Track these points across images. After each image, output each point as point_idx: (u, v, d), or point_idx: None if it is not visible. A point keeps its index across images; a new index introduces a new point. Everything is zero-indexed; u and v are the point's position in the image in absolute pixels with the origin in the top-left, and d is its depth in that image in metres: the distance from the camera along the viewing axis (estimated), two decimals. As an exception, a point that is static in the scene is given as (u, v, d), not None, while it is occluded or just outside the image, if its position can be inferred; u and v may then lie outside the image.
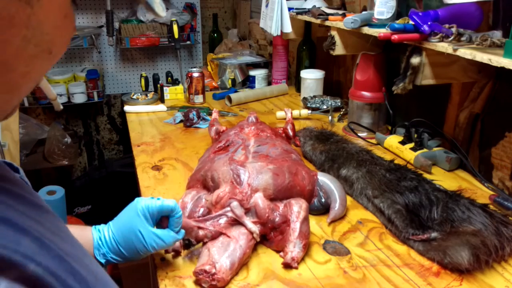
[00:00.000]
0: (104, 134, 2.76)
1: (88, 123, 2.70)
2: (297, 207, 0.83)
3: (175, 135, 1.45)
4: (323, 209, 0.95)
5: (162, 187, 1.09)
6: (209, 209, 0.85)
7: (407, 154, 1.20)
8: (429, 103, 1.30)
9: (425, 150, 1.18)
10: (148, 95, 1.84)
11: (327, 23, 1.41)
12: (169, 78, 1.97)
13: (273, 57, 1.99)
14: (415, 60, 1.03)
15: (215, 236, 0.79)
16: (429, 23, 0.95)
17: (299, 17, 1.60)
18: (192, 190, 0.92)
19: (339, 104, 1.64)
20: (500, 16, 0.97)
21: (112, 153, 2.81)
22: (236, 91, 1.87)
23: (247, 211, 0.82)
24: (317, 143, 1.22)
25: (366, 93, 1.38)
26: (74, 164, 2.62)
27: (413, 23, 0.99)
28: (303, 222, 0.81)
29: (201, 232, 0.78)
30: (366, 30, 1.20)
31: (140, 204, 0.72)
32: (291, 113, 1.41)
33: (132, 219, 0.71)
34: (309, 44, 1.85)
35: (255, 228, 0.80)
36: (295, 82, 1.96)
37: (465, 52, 0.87)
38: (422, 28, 0.95)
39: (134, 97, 1.83)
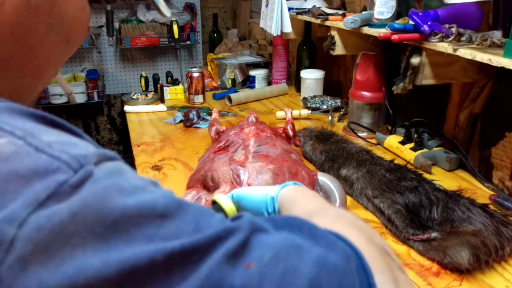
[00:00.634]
0: (104, 134, 2.76)
1: (88, 123, 2.70)
2: (297, 207, 0.83)
3: (175, 135, 1.45)
4: (323, 209, 0.95)
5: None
6: (209, 209, 0.85)
7: (407, 154, 1.20)
8: (429, 103, 1.30)
9: (425, 150, 1.18)
10: (148, 95, 1.84)
11: (327, 23, 1.41)
12: (169, 78, 1.97)
13: (273, 57, 1.99)
14: (415, 60, 1.03)
15: None
16: (429, 23, 0.95)
17: (299, 17, 1.60)
18: (192, 190, 0.92)
19: (339, 104, 1.64)
20: (500, 16, 0.97)
21: (112, 153, 2.81)
22: (236, 91, 1.87)
23: (247, 211, 0.82)
24: (317, 143, 1.22)
25: (366, 93, 1.38)
26: (74, 164, 2.62)
27: (413, 23, 0.99)
28: (303, 222, 0.81)
29: None
30: (366, 30, 1.20)
31: None
32: (291, 113, 1.41)
33: None
34: (309, 44, 1.85)
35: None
36: (295, 82, 1.96)
37: (465, 52, 0.87)
38: (422, 28, 0.95)
39: (134, 97, 1.83)
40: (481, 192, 1.05)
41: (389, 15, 1.17)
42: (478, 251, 0.75)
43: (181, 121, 1.56)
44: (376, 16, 1.19)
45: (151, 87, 1.98)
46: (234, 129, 1.14)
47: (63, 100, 2.34)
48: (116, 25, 2.41)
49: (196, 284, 0.28)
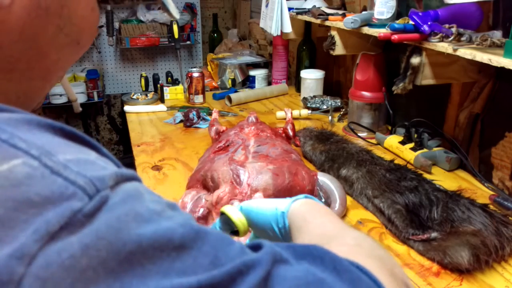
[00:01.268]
0: (104, 134, 2.76)
1: (88, 123, 2.70)
2: (297, 207, 0.83)
3: (175, 135, 1.45)
4: (323, 209, 0.95)
5: (162, 187, 1.09)
6: (209, 209, 0.85)
7: (407, 154, 1.20)
8: (429, 103, 1.30)
9: (425, 150, 1.18)
10: (148, 95, 1.84)
11: (327, 23, 1.41)
12: (169, 78, 1.97)
13: (273, 57, 1.99)
14: (415, 60, 1.03)
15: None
16: (429, 23, 0.95)
17: (299, 17, 1.60)
18: (192, 190, 0.92)
19: (339, 104, 1.64)
20: (500, 16, 0.97)
21: (112, 153, 2.80)
22: (236, 91, 1.87)
23: (247, 211, 0.82)
24: (317, 143, 1.22)
25: (366, 93, 1.38)
26: (74, 164, 2.62)
27: (413, 23, 0.99)
28: (303, 222, 0.81)
29: None
30: (366, 30, 1.20)
31: None
32: (291, 113, 1.41)
33: None
34: (309, 44, 1.85)
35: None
36: (295, 82, 1.96)
37: (465, 52, 0.87)
38: (422, 28, 0.95)
39: (134, 97, 1.83)
40: (481, 192, 1.05)
41: (389, 15, 1.17)
42: (478, 251, 0.75)
43: (181, 121, 1.56)
44: (376, 16, 1.19)
45: (151, 87, 1.98)
46: (234, 129, 1.14)
47: (63, 100, 2.34)
48: (116, 25, 2.41)
49: None
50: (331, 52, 1.43)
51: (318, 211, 0.53)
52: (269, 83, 2.03)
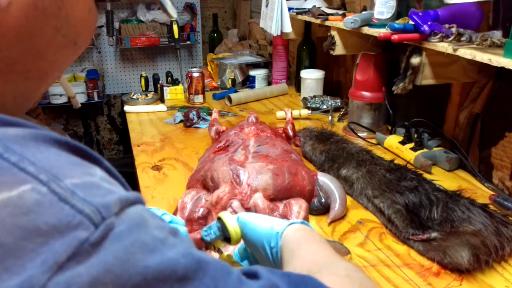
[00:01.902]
0: (104, 134, 2.76)
1: (88, 123, 2.70)
2: (297, 207, 0.83)
3: (175, 135, 1.45)
4: (323, 209, 0.95)
5: (162, 187, 1.09)
6: (209, 209, 0.85)
7: (407, 154, 1.20)
8: (429, 103, 1.30)
9: (425, 150, 1.18)
10: (148, 95, 1.84)
11: (327, 23, 1.41)
12: (169, 78, 1.97)
13: (273, 57, 1.99)
14: (415, 60, 1.03)
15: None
16: (429, 23, 0.95)
17: (299, 17, 1.60)
18: (192, 190, 0.92)
19: (339, 104, 1.64)
20: (500, 16, 0.97)
21: (112, 153, 2.81)
22: (236, 91, 1.87)
23: (247, 211, 0.82)
24: (317, 143, 1.22)
25: (366, 93, 1.38)
26: (74, 164, 2.62)
27: (413, 23, 0.99)
28: (303, 222, 0.81)
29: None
30: (366, 30, 1.20)
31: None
32: (291, 113, 1.41)
33: None
34: (309, 44, 1.85)
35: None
36: (295, 82, 1.96)
37: (465, 52, 0.87)
38: (422, 28, 0.95)
39: (134, 97, 1.83)
40: (481, 192, 1.05)
41: (389, 15, 1.17)
42: (478, 251, 0.75)
43: (181, 121, 1.56)
44: (376, 16, 1.19)
45: (151, 87, 1.98)
46: (234, 129, 1.14)
47: (63, 100, 2.34)
48: (116, 25, 2.41)
49: None
50: (331, 52, 1.43)
51: (312, 238, 0.54)
52: (269, 83, 2.03)
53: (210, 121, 1.34)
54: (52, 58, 0.36)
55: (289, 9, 1.64)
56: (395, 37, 1.01)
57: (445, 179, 1.10)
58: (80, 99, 2.38)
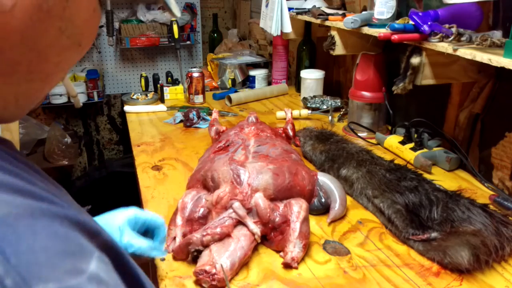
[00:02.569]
0: (104, 134, 2.76)
1: (88, 123, 2.70)
2: (297, 207, 0.83)
3: (175, 135, 1.45)
4: (323, 209, 0.95)
5: (162, 187, 1.09)
6: (209, 209, 0.85)
7: (407, 154, 1.20)
8: (429, 103, 1.30)
9: (425, 150, 1.18)
10: (148, 95, 1.84)
11: (327, 23, 1.41)
12: (169, 78, 1.97)
13: (273, 57, 1.99)
14: (415, 60, 1.03)
15: (222, 237, 0.78)
16: (429, 23, 0.95)
17: (299, 17, 1.60)
18: (192, 190, 0.92)
19: (339, 104, 1.64)
20: (500, 16, 0.97)
21: (112, 153, 2.81)
22: (236, 91, 1.87)
23: (248, 211, 0.82)
24: (317, 143, 1.22)
25: (366, 93, 1.38)
26: (74, 164, 2.62)
27: (413, 23, 0.99)
28: (303, 222, 0.81)
29: (206, 239, 0.77)
30: (366, 30, 1.20)
31: (130, 210, 0.71)
32: (291, 113, 1.41)
33: (113, 219, 0.70)
34: (309, 44, 1.85)
35: (257, 229, 0.80)
36: (295, 82, 1.96)
37: (465, 52, 0.87)
38: (422, 28, 0.95)
39: (134, 97, 1.83)
40: (481, 192, 1.05)
41: (389, 15, 1.17)
42: (478, 251, 0.75)
43: (181, 121, 1.56)
44: (376, 16, 1.19)
45: (151, 87, 1.98)
46: (234, 129, 1.14)
47: (63, 100, 2.34)
48: (116, 25, 2.41)
49: None
50: (331, 52, 1.43)
51: None
52: (269, 83, 2.03)
53: (210, 121, 1.34)
54: (56, 59, 0.36)
55: (289, 9, 1.64)
56: (395, 37, 1.01)
57: (445, 179, 1.10)
58: (80, 99, 2.38)
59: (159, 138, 1.43)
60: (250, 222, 0.81)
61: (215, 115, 1.36)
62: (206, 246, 0.77)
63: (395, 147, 1.26)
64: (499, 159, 1.06)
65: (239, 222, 0.81)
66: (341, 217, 0.95)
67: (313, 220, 0.93)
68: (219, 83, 2.06)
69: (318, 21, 1.45)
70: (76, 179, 2.59)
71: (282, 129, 1.29)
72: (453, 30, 0.92)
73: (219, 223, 0.79)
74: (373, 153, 1.11)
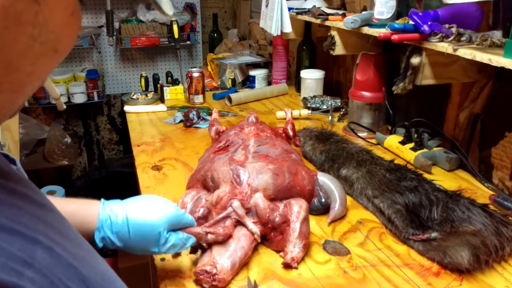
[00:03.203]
0: (104, 134, 2.76)
1: (88, 123, 2.70)
2: (297, 207, 0.83)
3: (175, 135, 1.45)
4: (323, 209, 0.95)
5: (162, 187, 1.09)
6: (209, 209, 0.85)
7: (407, 154, 1.20)
8: (429, 103, 1.30)
9: (425, 150, 1.18)
10: (148, 95, 1.84)
11: (327, 23, 1.41)
12: (169, 78, 1.97)
13: (273, 57, 1.99)
14: (415, 60, 1.03)
15: (225, 239, 0.78)
16: (429, 23, 0.95)
17: (299, 17, 1.60)
18: (192, 190, 0.92)
19: (339, 104, 1.64)
20: (500, 16, 0.97)
21: (112, 153, 2.81)
22: (236, 91, 1.87)
23: (248, 211, 0.82)
24: (317, 143, 1.22)
25: (366, 93, 1.38)
26: (74, 164, 2.62)
27: (413, 23, 0.99)
28: (303, 222, 0.81)
29: (210, 237, 0.76)
30: (366, 30, 1.20)
31: (171, 208, 0.69)
32: (291, 113, 1.41)
33: (156, 218, 0.68)
34: (309, 44, 1.85)
35: (256, 229, 0.80)
36: (295, 82, 1.96)
37: (465, 52, 0.87)
38: (422, 28, 0.95)
39: (134, 97, 1.83)
40: (481, 192, 1.05)
41: (389, 15, 1.17)
42: (478, 251, 0.75)
43: (181, 121, 1.56)
44: (376, 16, 1.19)
45: (151, 87, 1.98)
46: (234, 129, 1.14)
47: (63, 100, 2.34)
48: (116, 25, 2.41)
49: None
50: (331, 52, 1.43)
51: None
52: (269, 83, 2.03)
53: (210, 121, 1.34)
54: (29, 68, 0.32)
55: (289, 9, 1.64)
56: (395, 37, 1.01)
57: (445, 179, 1.10)
58: (80, 99, 2.39)
59: (159, 138, 1.43)
60: (249, 222, 0.81)
61: (215, 115, 1.36)
62: (209, 244, 0.77)
63: (395, 147, 1.26)
64: (499, 159, 1.06)
65: (239, 222, 0.81)
66: (341, 217, 0.95)
67: (313, 220, 0.93)
68: (219, 83, 2.06)
69: (318, 21, 1.45)
70: (76, 179, 2.59)
71: (282, 129, 1.29)
72: (453, 30, 0.92)
73: (222, 224, 0.79)
74: (373, 153, 1.11)
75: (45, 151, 2.30)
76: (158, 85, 1.84)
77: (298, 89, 1.87)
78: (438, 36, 0.95)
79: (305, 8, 1.61)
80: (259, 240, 0.81)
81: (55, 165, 2.33)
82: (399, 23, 1.08)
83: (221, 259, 0.74)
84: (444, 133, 1.22)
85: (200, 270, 0.72)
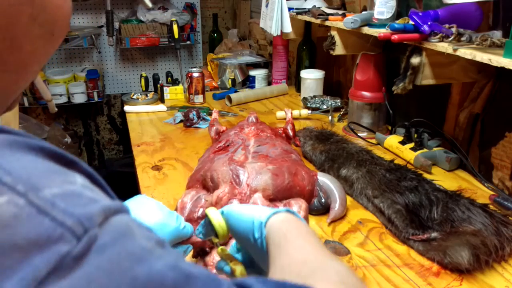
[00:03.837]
0: (104, 134, 2.76)
1: (88, 123, 2.69)
2: (297, 207, 0.83)
3: (175, 135, 1.45)
4: (323, 209, 0.95)
5: (162, 187, 1.09)
6: (209, 209, 0.85)
7: (407, 154, 1.20)
8: (429, 103, 1.30)
9: (425, 150, 1.18)
10: (148, 95, 1.84)
11: (327, 23, 1.41)
12: (169, 78, 1.97)
13: (273, 57, 1.99)
14: (415, 60, 1.03)
15: (226, 241, 0.78)
16: (429, 23, 0.95)
17: (299, 17, 1.60)
18: (192, 190, 0.92)
19: (339, 104, 1.64)
20: (500, 16, 0.97)
21: (112, 153, 2.81)
22: (236, 91, 1.87)
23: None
24: (317, 143, 1.22)
25: (366, 93, 1.38)
26: (74, 164, 2.62)
27: (413, 23, 0.99)
28: (303, 222, 0.81)
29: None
30: (366, 30, 1.20)
31: (170, 226, 0.68)
32: (291, 113, 1.41)
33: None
34: (309, 44, 1.85)
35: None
36: (295, 82, 1.96)
37: (465, 52, 0.87)
38: (422, 28, 0.95)
39: (134, 97, 1.83)
40: (481, 192, 1.05)
41: (389, 15, 1.17)
42: (478, 251, 0.75)
43: (181, 121, 1.56)
44: (376, 16, 1.19)
45: (151, 87, 1.98)
46: (234, 129, 1.14)
47: (63, 100, 2.34)
48: (116, 25, 2.41)
49: None
50: (331, 52, 1.43)
51: (299, 230, 0.50)
52: (269, 83, 2.03)
53: (210, 121, 1.34)
54: (29, 48, 0.35)
55: (289, 9, 1.64)
56: (395, 37, 1.00)
57: (445, 179, 1.10)
58: (80, 99, 2.38)
59: (159, 138, 1.43)
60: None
61: (215, 115, 1.36)
62: (210, 247, 0.77)
63: (395, 147, 1.25)
64: (499, 159, 1.05)
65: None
66: (341, 217, 0.95)
67: (313, 220, 0.93)
68: (219, 83, 2.06)
69: (318, 21, 1.45)
70: (76, 179, 2.59)
71: (282, 129, 1.29)
72: (453, 30, 0.92)
73: None
74: (373, 153, 1.11)
75: (45, 151, 2.29)
76: (158, 85, 1.84)
77: (298, 89, 1.87)
78: (438, 36, 0.95)
79: (305, 8, 1.61)
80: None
81: (55, 165, 2.32)
82: (399, 23, 1.08)
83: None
84: (444, 133, 1.22)
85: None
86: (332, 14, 1.41)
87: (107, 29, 2.29)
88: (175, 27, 2.21)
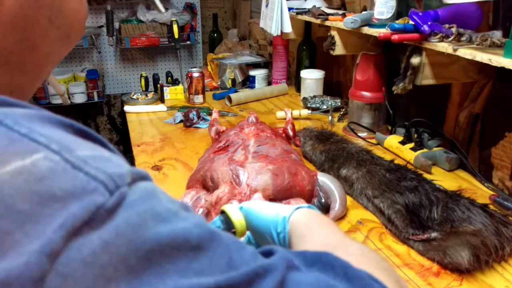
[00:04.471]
0: (104, 134, 2.76)
1: (88, 123, 2.69)
2: (297, 207, 0.83)
3: (175, 135, 1.45)
4: (323, 209, 0.95)
5: (162, 187, 1.08)
6: (208, 209, 0.85)
7: (407, 154, 1.20)
8: (429, 103, 1.30)
9: (425, 150, 1.18)
10: (148, 95, 1.84)
11: (327, 23, 1.41)
12: (169, 78, 1.97)
13: (273, 57, 1.99)
14: (415, 60, 1.03)
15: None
16: (429, 23, 0.95)
17: (299, 17, 1.60)
18: (192, 190, 0.92)
19: (339, 104, 1.64)
20: (500, 16, 0.97)
21: (112, 153, 2.81)
22: (236, 91, 1.87)
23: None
24: (317, 143, 1.22)
25: (366, 93, 1.38)
26: (74, 164, 2.62)
27: (413, 23, 0.99)
28: (303, 222, 0.81)
29: None
30: (366, 30, 1.20)
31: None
32: (291, 113, 1.41)
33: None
34: (309, 44, 1.85)
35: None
36: (295, 82, 1.96)
37: (465, 52, 0.87)
38: (422, 28, 0.95)
39: (134, 97, 1.83)
40: (481, 192, 1.05)
41: (389, 15, 1.17)
42: (478, 251, 0.75)
43: (181, 121, 1.56)
44: (376, 16, 1.19)
45: (151, 87, 1.98)
46: (234, 129, 1.14)
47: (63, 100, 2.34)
48: (116, 25, 2.41)
49: None
50: (331, 52, 1.43)
51: (321, 221, 0.53)
52: (269, 83, 2.03)
53: (210, 121, 1.34)
54: (46, 50, 0.36)
55: (289, 9, 1.64)
56: (395, 37, 1.00)
57: (445, 179, 1.10)
58: (80, 99, 2.39)
59: (159, 138, 1.43)
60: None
61: (215, 115, 1.36)
62: None
63: (395, 147, 1.25)
64: (499, 159, 1.05)
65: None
66: (341, 217, 0.95)
67: (313, 220, 0.93)
68: (219, 83, 2.06)
69: (318, 21, 1.45)
70: (76, 179, 2.59)
71: (282, 129, 1.29)
72: (453, 30, 0.92)
73: None
74: (373, 153, 1.11)
75: (45, 151, 2.30)
76: (158, 85, 1.84)
77: (298, 89, 1.87)
78: (438, 36, 0.95)
79: (305, 8, 1.61)
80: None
81: (55, 165, 2.32)
82: (399, 23, 1.08)
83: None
84: (444, 133, 1.22)
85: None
86: (332, 14, 1.41)
87: (107, 29, 2.29)
88: (175, 27, 2.21)
